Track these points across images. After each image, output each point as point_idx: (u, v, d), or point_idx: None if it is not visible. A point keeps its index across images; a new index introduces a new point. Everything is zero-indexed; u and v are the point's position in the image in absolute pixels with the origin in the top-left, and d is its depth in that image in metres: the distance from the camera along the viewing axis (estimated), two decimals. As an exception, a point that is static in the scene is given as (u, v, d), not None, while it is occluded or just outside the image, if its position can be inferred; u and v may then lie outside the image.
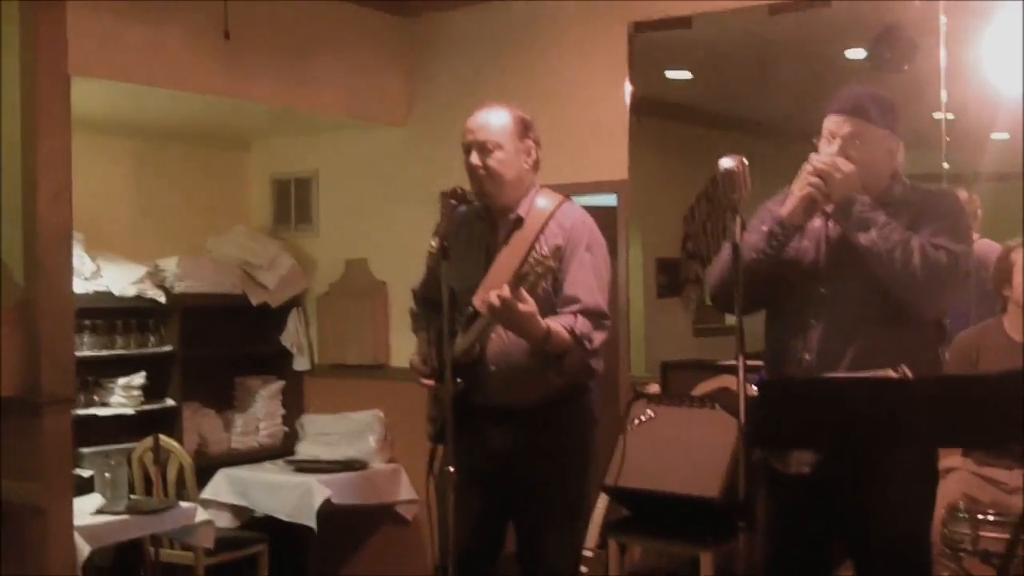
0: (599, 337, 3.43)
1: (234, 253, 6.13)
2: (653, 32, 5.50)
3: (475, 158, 3.51)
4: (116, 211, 5.95)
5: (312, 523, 5.47)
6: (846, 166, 3.08)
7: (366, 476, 5.86)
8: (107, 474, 4.67)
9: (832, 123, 3.16)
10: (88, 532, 4.44)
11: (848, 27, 5.44)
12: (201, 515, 4.91)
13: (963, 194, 5.00)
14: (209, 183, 6.43)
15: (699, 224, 9.96)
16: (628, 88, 5.50)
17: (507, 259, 3.53)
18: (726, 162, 2.92)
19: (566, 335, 3.34)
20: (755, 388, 4.66)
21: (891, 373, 2.77)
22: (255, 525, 5.74)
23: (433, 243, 3.25)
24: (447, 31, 5.96)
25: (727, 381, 4.79)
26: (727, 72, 7.72)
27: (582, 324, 3.38)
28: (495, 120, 3.54)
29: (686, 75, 7.52)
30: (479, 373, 3.48)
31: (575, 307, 3.41)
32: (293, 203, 6.47)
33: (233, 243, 6.19)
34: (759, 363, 5.36)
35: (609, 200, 5.54)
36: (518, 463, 3.51)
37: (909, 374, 2.76)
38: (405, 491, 5.95)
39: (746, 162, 2.96)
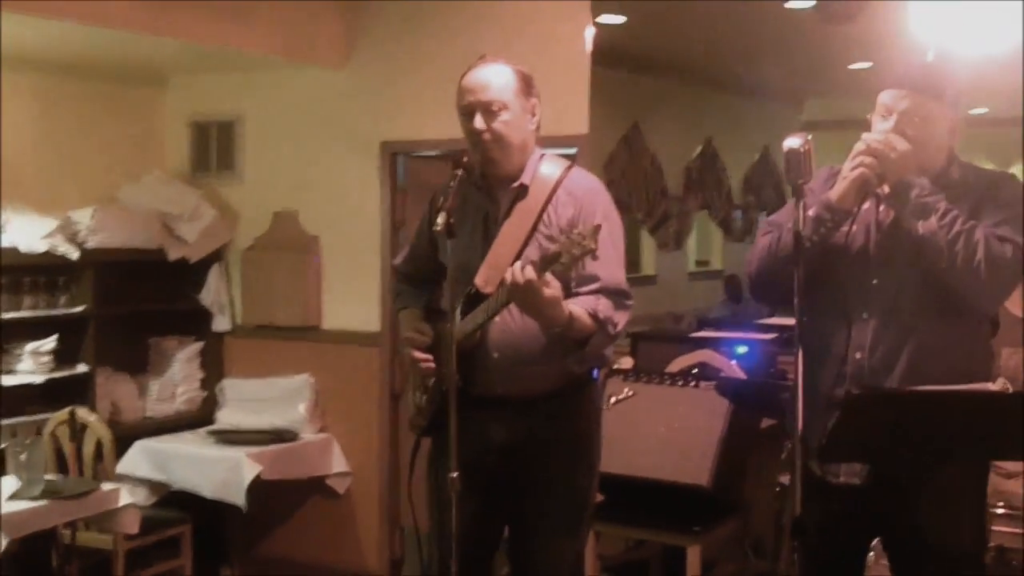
0: (622, 319, 3.08)
1: (150, 202, 5.56)
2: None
3: (479, 122, 3.10)
4: (18, 156, 5.32)
5: (241, 501, 5.04)
6: (902, 145, 2.79)
7: (297, 448, 5.43)
8: (22, 455, 4.14)
9: (889, 97, 2.87)
10: (5, 521, 3.95)
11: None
12: (125, 498, 4.44)
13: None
14: (120, 124, 5.81)
15: (619, 170, 9.71)
16: (590, 33, 5.09)
17: (511, 233, 3.16)
18: (792, 141, 2.62)
19: (588, 320, 2.99)
20: (736, 367, 4.44)
21: (991, 387, 2.49)
22: (173, 500, 5.27)
23: (440, 220, 2.85)
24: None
25: (706, 356, 4.51)
26: (662, 17, 7.42)
27: (604, 306, 3.03)
28: (497, 78, 3.15)
29: (619, 19, 7.19)
30: (478, 361, 3.12)
31: (595, 286, 3.05)
32: (215, 148, 5.90)
33: (148, 191, 5.62)
34: (714, 335, 5.15)
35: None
36: (519, 459, 3.18)
37: (1009, 388, 2.48)
38: (337, 463, 5.57)
39: (811, 139, 2.64)
